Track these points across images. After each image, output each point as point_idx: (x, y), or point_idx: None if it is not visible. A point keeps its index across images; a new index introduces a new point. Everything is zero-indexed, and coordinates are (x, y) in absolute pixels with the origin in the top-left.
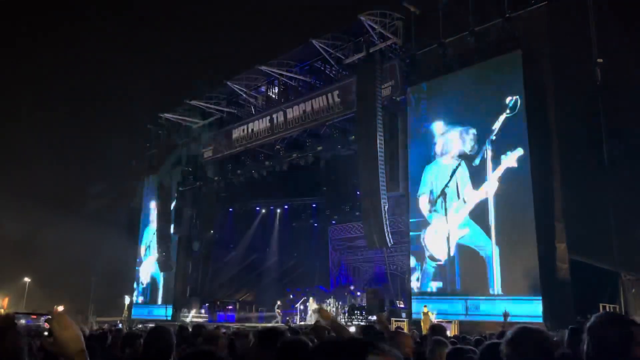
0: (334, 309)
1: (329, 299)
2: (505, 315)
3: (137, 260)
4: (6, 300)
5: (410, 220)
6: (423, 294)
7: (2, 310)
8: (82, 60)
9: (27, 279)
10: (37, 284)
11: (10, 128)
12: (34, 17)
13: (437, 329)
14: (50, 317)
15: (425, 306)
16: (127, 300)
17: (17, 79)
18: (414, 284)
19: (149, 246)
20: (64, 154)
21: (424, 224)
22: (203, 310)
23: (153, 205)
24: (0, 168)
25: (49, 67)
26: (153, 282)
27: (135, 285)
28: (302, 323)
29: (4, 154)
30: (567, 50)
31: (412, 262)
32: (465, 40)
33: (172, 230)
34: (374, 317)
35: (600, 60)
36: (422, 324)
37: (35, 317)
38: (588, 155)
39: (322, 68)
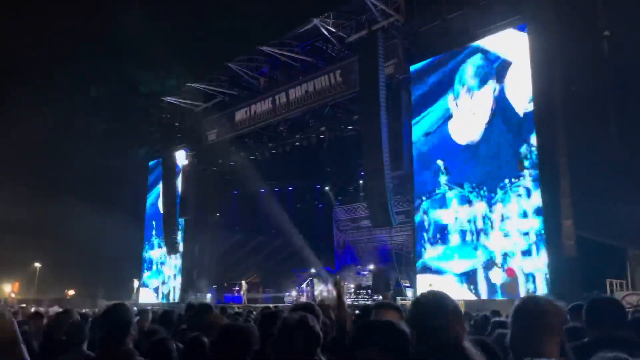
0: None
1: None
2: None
3: (145, 244)
4: (16, 285)
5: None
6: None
7: (13, 295)
8: (82, 42)
9: (37, 264)
10: (48, 269)
11: (16, 111)
12: None
13: None
14: None
15: (430, 285)
16: (136, 283)
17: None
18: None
19: (155, 229)
20: (70, 137)
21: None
22: (210, 293)
23: (158, 189)
24: (9, 154)
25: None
26: (160, 265)
27: (143, 269)
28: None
29: (13, 140)
30: (573, 23)
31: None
32: (468, 16)
33: (177, 214)
34: (380, 297)
35: (607, 33)
36: None
37: None
38: (595, 130)
39: (324, 48)
